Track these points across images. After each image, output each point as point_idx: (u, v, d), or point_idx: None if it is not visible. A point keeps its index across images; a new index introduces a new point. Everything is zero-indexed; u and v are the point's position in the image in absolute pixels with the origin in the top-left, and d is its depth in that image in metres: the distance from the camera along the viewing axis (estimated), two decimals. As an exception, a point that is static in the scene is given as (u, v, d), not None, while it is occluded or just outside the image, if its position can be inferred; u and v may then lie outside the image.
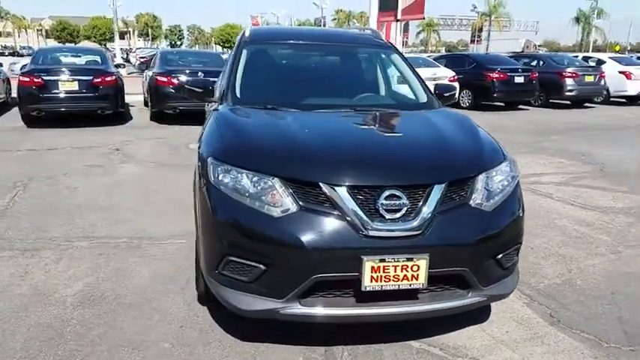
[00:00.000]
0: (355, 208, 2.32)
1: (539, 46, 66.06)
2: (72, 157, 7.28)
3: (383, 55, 4.15)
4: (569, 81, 14.60)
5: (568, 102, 15.45)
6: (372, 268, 2.29)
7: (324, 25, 62.33)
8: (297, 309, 2.38)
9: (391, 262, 2.30)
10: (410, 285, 2.36)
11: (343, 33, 4.41)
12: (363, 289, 2.32)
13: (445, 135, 2.90)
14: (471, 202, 2.50)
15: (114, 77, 10.12)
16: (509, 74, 14.07)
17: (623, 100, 16.55)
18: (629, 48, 57.14)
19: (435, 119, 3.21)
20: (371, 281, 2.31)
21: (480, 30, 63.94)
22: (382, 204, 2.33)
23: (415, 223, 2.34)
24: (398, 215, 2.34)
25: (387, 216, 2.33)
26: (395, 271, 2.32)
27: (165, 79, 10.21)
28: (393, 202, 2.34)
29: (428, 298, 2.49)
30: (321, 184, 2.35)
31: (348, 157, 2.61)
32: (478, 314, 2.92)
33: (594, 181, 6.37)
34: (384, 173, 2.49)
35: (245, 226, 2.40)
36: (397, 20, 12.29)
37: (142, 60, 26.18)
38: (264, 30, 4.33)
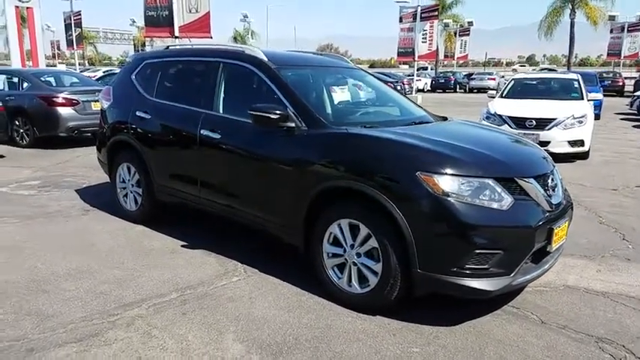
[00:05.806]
0: (542, 192, 3.18)
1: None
2: None
3: (367, 77, 4.80)
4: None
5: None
6: (556, 234, 3.21)
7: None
8: (520, 278, 3.07)
9: (560, 227, 3.28)
10: (563, 242, 3.38)
11: (327, 57, 4.74)
12: (549, 250, 3.21)
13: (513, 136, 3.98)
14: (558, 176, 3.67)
15: None
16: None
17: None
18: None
19: (478, 125, 4.22)
20: (553, 244, 3.22)
21: (144, 45, 64.13)
22: (549, 186, 3.26)
23: (561, 196, 3.37)
24: (555, 192, 3.32)
25: (551, 193, 3.28)
26: (560, 234, 3.31)
27: None
28: (553, 183, 3.31)
29: (556, 251, 3.51)
30: (516, 178, 3.10)
31: (521, 156, 3.44)
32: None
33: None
34: (544, 164, 3.43)
35: (486, 222, 2.91)
36: (175, 37, 11.87)
37: None
38: (276, 53, 4.27)
